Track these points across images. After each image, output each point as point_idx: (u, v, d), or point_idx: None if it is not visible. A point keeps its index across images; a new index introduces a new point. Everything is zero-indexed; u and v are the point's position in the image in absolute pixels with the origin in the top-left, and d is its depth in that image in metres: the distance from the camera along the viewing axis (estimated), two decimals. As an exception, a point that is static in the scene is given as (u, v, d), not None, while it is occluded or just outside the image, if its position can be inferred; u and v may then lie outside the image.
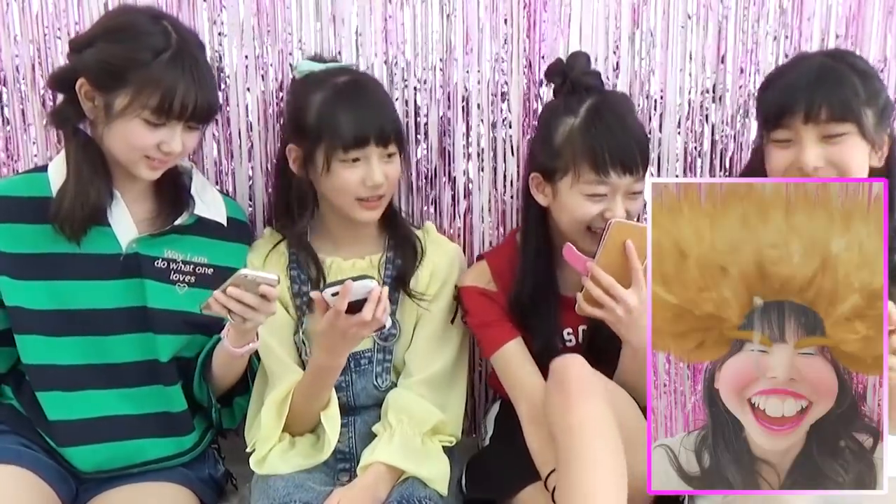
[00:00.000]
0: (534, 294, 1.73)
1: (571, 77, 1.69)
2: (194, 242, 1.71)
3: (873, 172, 1.58)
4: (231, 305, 1.51)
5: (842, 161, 1.55)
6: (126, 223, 1.66)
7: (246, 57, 1.91)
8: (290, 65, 1.87)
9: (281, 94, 1.93)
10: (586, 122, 1.63)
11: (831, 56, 1.63)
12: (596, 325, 1.70)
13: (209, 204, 1.72)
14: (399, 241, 1.79)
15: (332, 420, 1.69)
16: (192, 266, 1.70)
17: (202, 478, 1.76)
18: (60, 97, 1.65)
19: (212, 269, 1.71)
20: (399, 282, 1.76)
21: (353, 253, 1.78)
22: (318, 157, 1.67)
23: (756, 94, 1.74)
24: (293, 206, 1.75)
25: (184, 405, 1.71)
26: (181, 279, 1.69)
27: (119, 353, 1.67)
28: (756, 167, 1.70)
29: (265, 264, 1.75)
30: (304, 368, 1.74)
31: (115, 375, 1.67)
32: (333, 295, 1.52)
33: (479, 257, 1.87)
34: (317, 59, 1.82)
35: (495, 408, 1.91)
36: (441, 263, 1.79)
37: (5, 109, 1.91)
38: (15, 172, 1.93)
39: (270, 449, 1.70)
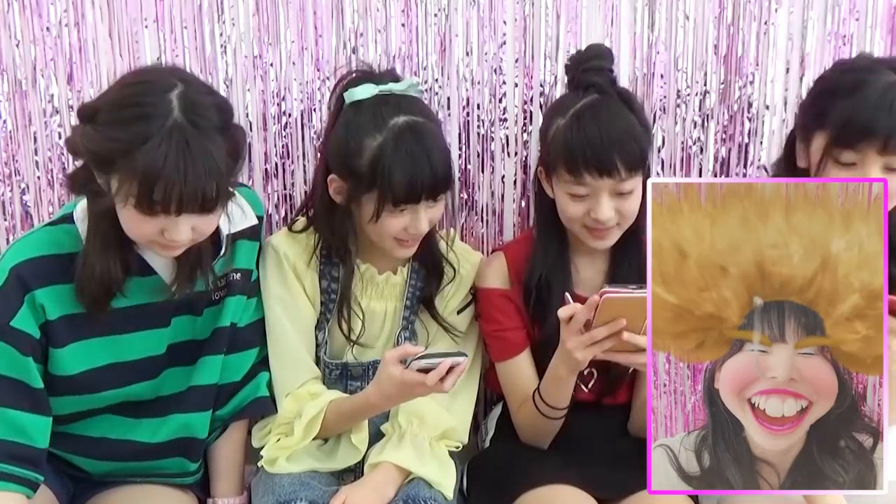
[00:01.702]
0: (546, 281, 1.74)
1: (577, 72, 1.69)
2: (227, 257, 1.68)
3: None
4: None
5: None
6: (170, 273, 1.60)
7: (246, 57, 1.91)
8: (341, 81, 1.72)
9: (285, 94, 1.93)
10: (568, 124, 1.63)
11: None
12: None
13: (240, 216, 1.67)
14: (428, 259, 1.77)
15: (362, 444, 1.71)
16: (224, 279, 1.68)
17: (201, 476, 1.75)
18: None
19: (239, 274, 1.69)
20: (425, 302, 1.78)
21: (386, 264, 1.76)
22: (367, 203, 1.62)
23: (811, 93, 1.70)
24: (335, 227, 1.71)
25: (206, 432, 1.69)
26: (218, 294, 1.67)
27: (158, 389, 1.66)
28: (790, 163, 1.70)
29: (308, 269, 1.74)
30: (318, 365, 1.76)
31: (147, 407, 1.66)
32: (420, 361, 1.54)
33: (497, 249, 1.87)
34: (366, 78, 1.68)
35: (497, 409, 1.91)
36: (466, 277, 1.80)
37: (5, 108, 1.92)
38: (15, 172, 1.94)
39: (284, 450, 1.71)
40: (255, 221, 1.70)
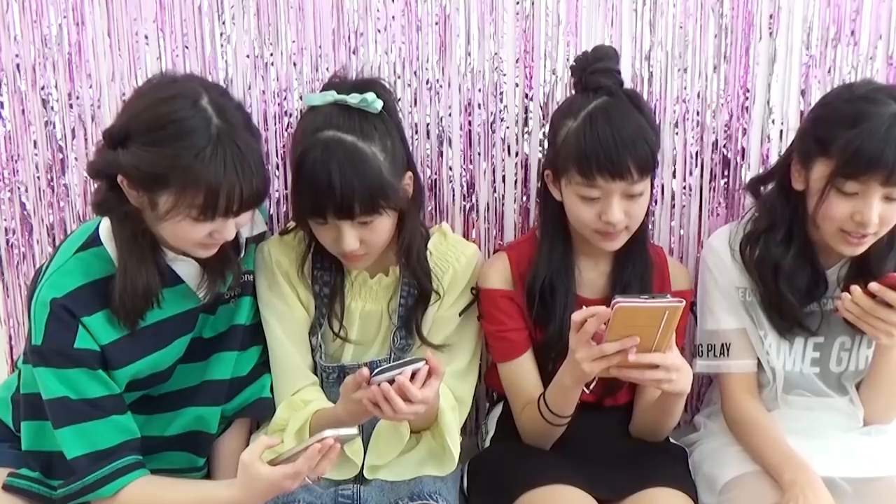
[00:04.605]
0: (550, 284, 1.74)
1: (585, 74, 1.69)
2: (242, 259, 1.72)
3: None
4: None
5: (892, 217, 1.61)
6: (198, 278, 1.63)
7: (247, 57, 1.91)
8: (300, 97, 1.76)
9: (285, 94, 1.93)
10: (580, 127, 1.62)
11: None
12: None
13: (260, 220, 1.72)
14: (412, 281, 1.75)
15: (357, 455, 1.70)
16: (237, 280, 1.69)
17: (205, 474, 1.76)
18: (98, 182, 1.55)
19: (251, 276, 1.72)
20: (409, 326, 1.76)
21: (377, 266, 1.75)
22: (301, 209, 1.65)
23: (812, 119, 1.71)
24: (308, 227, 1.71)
25: (216, 427, 1.71)
26: (232, 294, 1.69)
27: (170, 385, 1.67)
28: (785, 184, 1.72)
29: (300, 275, 1.74)
30: (316, 370, 1.76)
31: (157, 403, 1.68)
32: (382, 376, 1.50)
33: (499, 249, 1.87)
34: (334, 84, 1.69)
35: (497, 409, 1.91)
36: (460, 269, 1.79)
37: (5, 108, 1.92)
38: (14, 173, 1.93)
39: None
40: (264, 228, 1.76)
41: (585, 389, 1.69)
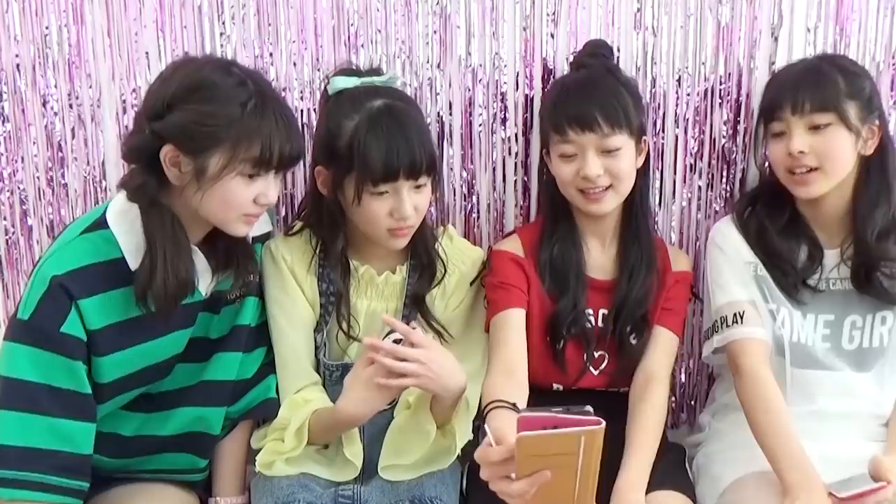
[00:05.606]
0: (560, 256, 1.77)
1: (575, 60, 1.81)
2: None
3: (863, 160, 1.75)
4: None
5: (826, 148, 1.70)
6: (207, 275, 1.63)
7: (247, 57, 1.91)
8: (326, 78, 1.75)
9: (285, 94, 1.93)
10: (556, 91, 1.74)
11: (820, 58, 1.81)
12: (617, 312, 1.77)
13: (265, 220, 1.74)
14: (423, 259, 1.77)
15: (356, 457, 1.70)
16: (241, 280, 1.70)
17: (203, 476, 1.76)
18: (129, 167, 1.55)
19: (256, 276, 1.72)
20: (417, 302, 1.77)
21: (384, 265, 1.76)
22: (349, 187, 1.64)
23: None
24: (325, 221, 1.72)
25: (219, 429, 1.70)
26: (237, 294, 1.69)
27: (168, 384, 1.67)
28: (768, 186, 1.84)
29: (307, 273, 1.74)
30: (319, 368, 1.76)
31: (157, 401, 1.67)
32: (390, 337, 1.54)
33: (512, 231, 1.92)
34: (350, 72, 1.74)
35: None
36: (467, 271, 1.80)
37: (5, 108, 1.91)
38: (14, 173, 1.93)
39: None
40: (270, 227, 1.77)
41: (593, 371, 1.69)
